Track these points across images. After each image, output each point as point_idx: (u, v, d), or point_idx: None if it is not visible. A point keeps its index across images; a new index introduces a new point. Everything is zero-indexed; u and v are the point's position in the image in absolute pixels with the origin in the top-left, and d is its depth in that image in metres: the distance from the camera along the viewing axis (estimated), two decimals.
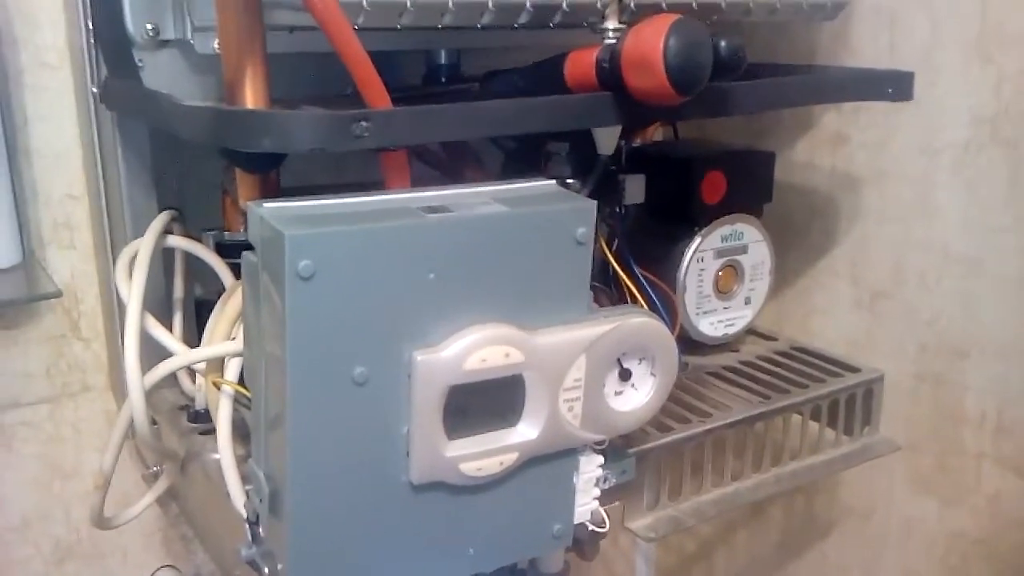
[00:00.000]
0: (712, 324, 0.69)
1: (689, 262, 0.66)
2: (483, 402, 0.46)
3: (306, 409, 0.42)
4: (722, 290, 0.69)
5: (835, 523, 0.87)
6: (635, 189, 0.64)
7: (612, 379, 0.50)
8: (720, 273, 0.68)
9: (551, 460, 0.49)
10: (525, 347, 0.45)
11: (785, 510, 0.91)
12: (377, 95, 0.43)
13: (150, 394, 0.63)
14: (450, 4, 0.47)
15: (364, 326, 0.42)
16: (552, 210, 0.46)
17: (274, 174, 0.49)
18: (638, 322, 0.49)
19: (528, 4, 0.49)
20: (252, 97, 0.45)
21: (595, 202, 0.46)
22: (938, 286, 0.74)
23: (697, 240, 0.66)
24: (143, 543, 0.78)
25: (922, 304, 0.75)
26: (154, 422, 0.65)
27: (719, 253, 0.68)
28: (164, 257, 0.64)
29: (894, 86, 0.61)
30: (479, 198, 0.46)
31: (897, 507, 0.81)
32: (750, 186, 0.68)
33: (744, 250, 0.69)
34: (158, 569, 0.75)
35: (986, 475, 0.74)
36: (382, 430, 0.44)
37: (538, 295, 0.46)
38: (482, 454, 0.46)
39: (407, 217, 0.43)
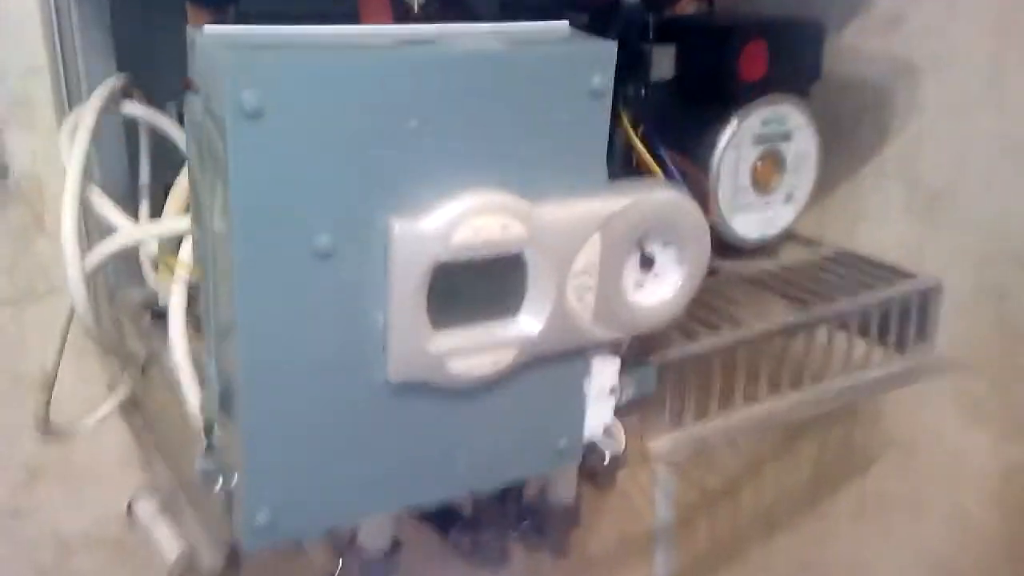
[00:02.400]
0: (748, 223, 0.61)
1: (724, 148, 0.57)
2: (476, 285, 0.38)
3: (256, 288, 0.34)
4: (761, 182, 0.60)
5: (875, 456, 0.79)
6: (664, 62, 0.55)
7: (631, 265, 0.42)
8: (759, 163, 0.59)
9: (557, 361, 0.41)
10: (527, 219, 0.37)
11: (820, 442, 0.83)
12: None
13: (111, 294, 0.56)
14: None
15: (328, 183, 0.34)
16: (561, 52, 0.38)
17: (233, 10, 0.41)
18: (664, 196, 0.41)
19: None
20: None
21: (614, 43, 0.38)
22: (1005, 186, 0.65)
23: (734, 123, 0.57)
24: (121, 462, 0.71)
25: (986, 206, 0.67)
26: (118, 322, 0.58)
27: (759, 139, 0.59)
28: (130, 138, 0.56)
29: None
30: (475, 35, 0.37)
31: (947, 439, 0.73)
32: (796, 61, 0.59)
33: (787, 136, 0.60)
34: (139, 491, 0.69)
35: None
36: (352, 316, 0.36)
37: (544, 157, 0.38)
38: (474, 349, 0.38)
39: (384, 48, 0.35)
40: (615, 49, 0.38)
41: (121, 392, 0.54)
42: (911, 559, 0.78)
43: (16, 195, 0.63)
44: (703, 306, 0.55)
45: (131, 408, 0.58)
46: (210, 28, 0.34)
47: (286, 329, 0.35)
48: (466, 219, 0.36)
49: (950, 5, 0.66)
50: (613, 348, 0.44)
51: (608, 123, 0.39)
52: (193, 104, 0.36)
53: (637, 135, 0.54)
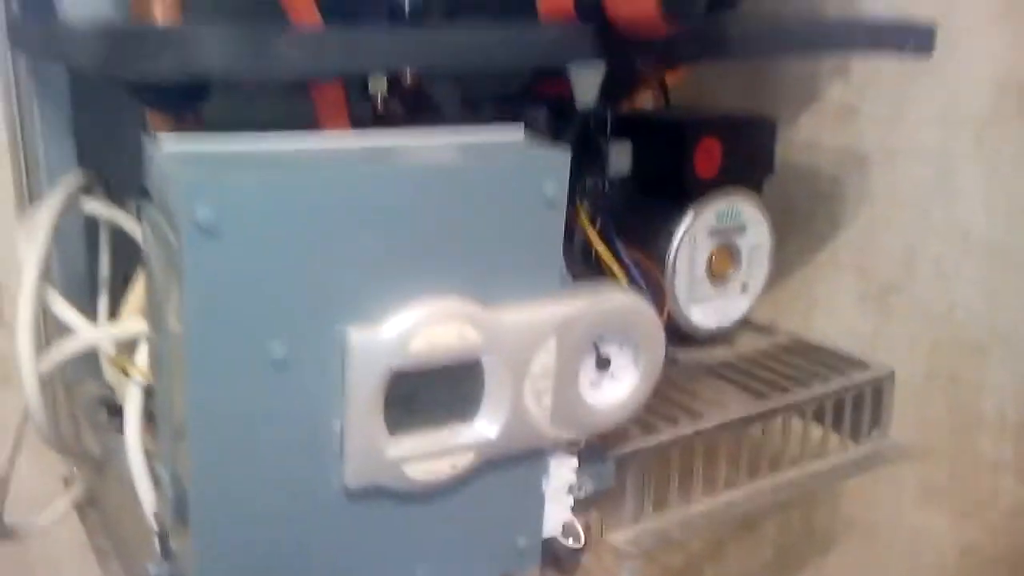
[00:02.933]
0: (705, 313, 0.61)
1: (680, 242, 0.58)
2: (433, 391, 0.38)
3: (210, 395, 0.34)
4: (716, 274, 0.61)
5: (836, 537, 0.79)
6: (621, 158, 0.56)
7: (588, 367, 0.42)
8: (714, 255, 0.60)
9: (515, 462, 0.41)
10: (484, 326, 0.38)
11: (781, 523, 0.83)
12: (304, 10, 0.35)
13: (68, 389, 0.56)
14: None
15: (283, 294, 0.34)
16: (516, 162, 0.39)
17: (192, 117, 0.41)
18: (619, 300, 0.42)
19: None
20: (161, 8, 0.38)
21: (568, 152, 0.39)
22: (956, 275, 0.67)
23: (689, 216, 0.58)
24: (78, 555, 0.69)
25: (936, 296, 0.68)
26: (75, 418, 0.57)
27: (714, 232, 0.60)
28: (90, 230, 0.56)
29: (913, 38, 0.54)
30: (429, 146, 0.38)
31: (905, 520, 0.73)
32: (749, 156, 0.61)
33: (742, 230, 0.61)
34: None
35: (1004, 486, 0.67)
36: (308, 424, 0.36)
37: (500, 263, 0.38)
38: (431, 454, 0.38)
39: (338, 165, 0.35)
40: (568, 157, 0.39)
41: (75, 490, 0.53)
42: None
43: None
44: (661, 398, 0.55)
45: (86, 505, 0.57)
46: (167, 140, 0.34)
47: (240, 436, 0.35)
48: (422, 327, 0.36)
49: (899, 97, 0.68)
50: (570, 447, 0.44)
51: (562, 229, 0.39)
52: (150, 211, 0.36)
53: (595, 229, 0.55)
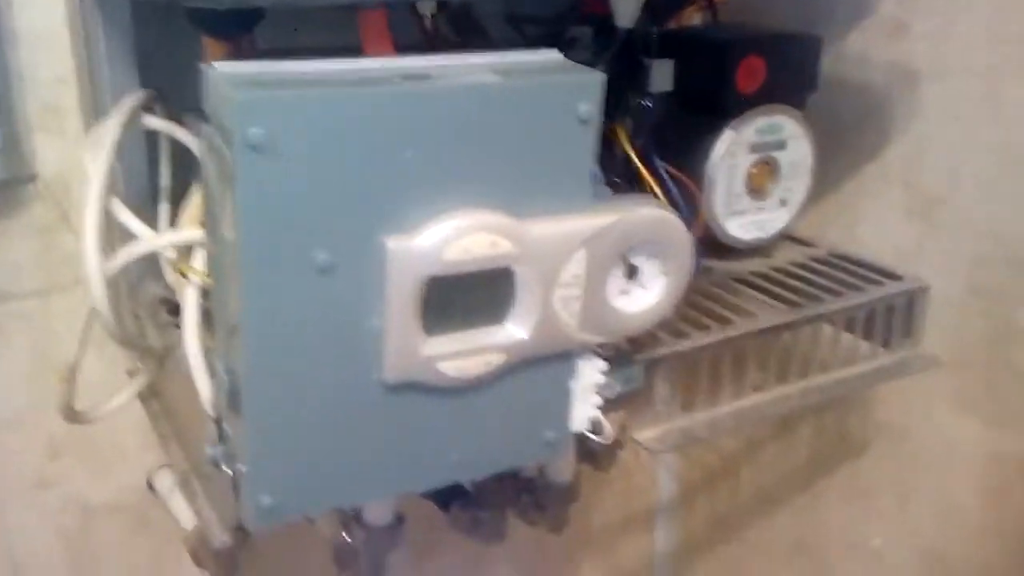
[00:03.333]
0: (743, 226, 0.63)
1: (719, 156, 0.60)
2: (467, 296, 0.41)
3: (262, 299, 0.37)
4: (755, 189, 0.62)
5: (869, 441, 0.82)
6: (662, 75, 0.57)
7: (616, 276, 0.44)
8: (754, 170, 0.61)
9: (544, 363, 0.44)
10: (515, 237, 0.40)
11: (816, 426, 0.85)
12: None
13: (131, 288, 0.60)
14: None
15: (329, 207, 0.37)
16: (550, 82, 0.40)
17: (247, 42, 0.43)
18: (647, 214, 0.44)
19: None
20: None
21: (602, 74, 0.40)
22: (1001, 192, 0.67)
23: (729, 132, 0.60)
24: (141, 442, 0.75)
25: (981, 211, 0.68)
26: (137, 316, 0.61)
27: (754, 148, 0.61)
28: (152, 146, 0.59)
29: None
30: (469, 67, 0.40)
31: (937, 427, 0.75)
32: (792, 74, 0.61)
33: (782, 145, 0.62)
34: (159, 468, 0.73)
35: None
36: (351, 324, 0.39)
37: (533, 179, 0.41)
38: (464, 353, 0.41)
39: (381, 84, 0.37)
40: (601, 79, 0.40)
41: (139, 382, 0.58)
42: (900, 541, 0.81)
43: (44, 195, 0.67)
44: (693, 305, 0.57)
45: (149, 395, 0.62)
46: (220, 65, 0.36)
47: (288, 334, 0.38)
48: (457, 237, 0.39)
49: (951, 15, 0.67)
50: (600, 350, 0.47)
51: (593, 148, 0.41)
52: (206, 130, 0.39)
53: (634, 145, 0.56)
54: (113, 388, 0.65)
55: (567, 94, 0.40)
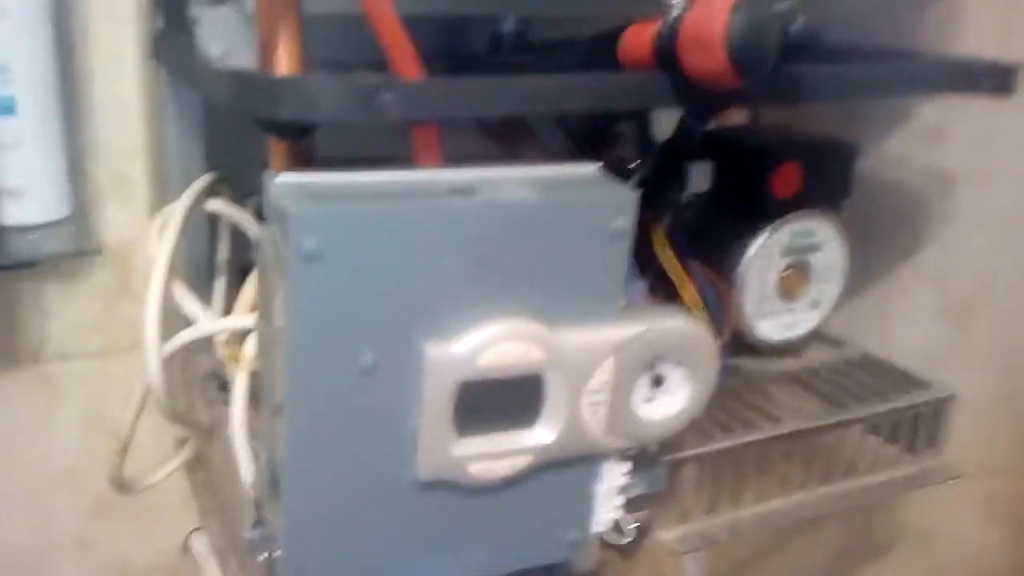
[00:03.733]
0: (773, 327, 0.64)
1: (752, 259, 0.61)
2: (498, 399, 0.43)
3: (307, 393, 0.40)
4: (787, 291, 0.64)
5: (895, 543, 0.82)
6: (700, 176, 0.59)
7: (643, 384, 0.46)
8: (786, 273, 0.63)
9: (570, 465, 0.46)
10: (547, 345, 0.42)
11: (844, 524, 0.86)
12: (405, 64, 0.40)
13: (183, 361, 0.63)
14: None
15: (374, 312, 0.39)
16: (586, 198, 0.43)
17: (307, 142, 0.46)
18: (675, 325, 0.46)
19: None
20: (286, 59, 0.43)
21: (635, 192, 0.43)
22: None
23: (763, 236, 0.61)
24: (181, 505, 0.77)
25: (1014, 318, 0.69)
26: (188, 388, 0.64)
27: (787, 251, 0.63)
28: (212, 223, 0.62)
29: (993, 79, 0.55)
30: (510, 181, 0.43)
31: (963, 533, 0.75)
32: (828, 181, 0.63)
33: (815, 249, 0.64)
34: (193, 531, 0.75)
35: None
36: (388, 422, 0.41)
37: (566, 289, 0.43)
38: (494, 455, 0.43)
39: (425, 198, 0.40)
40: (635, 197, 0.43)
41: (185, 453, 0.61)
42: None
43: (109, 261, 0.70)
44: (721, 407, 0.59)
45: (195, 465, 0.64)
46: (281, 177, 0.39)
47: (328, 428, 0.41)
48: (491, 345, 0.41)
49: (988, 122, 0.69)
50: (624, 452, 0.48)
51: (626, 260, 0.43)
52: (265, 230, 0.42)
53: (669, 245, 0.58)
54: (160, 453, 0.68)
55: (601, 211, 0.42)
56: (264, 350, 0.45)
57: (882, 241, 0.76)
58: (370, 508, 0.42)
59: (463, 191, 0.41)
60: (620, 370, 0.44)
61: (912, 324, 0.76)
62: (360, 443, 0.41)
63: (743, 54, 0.40)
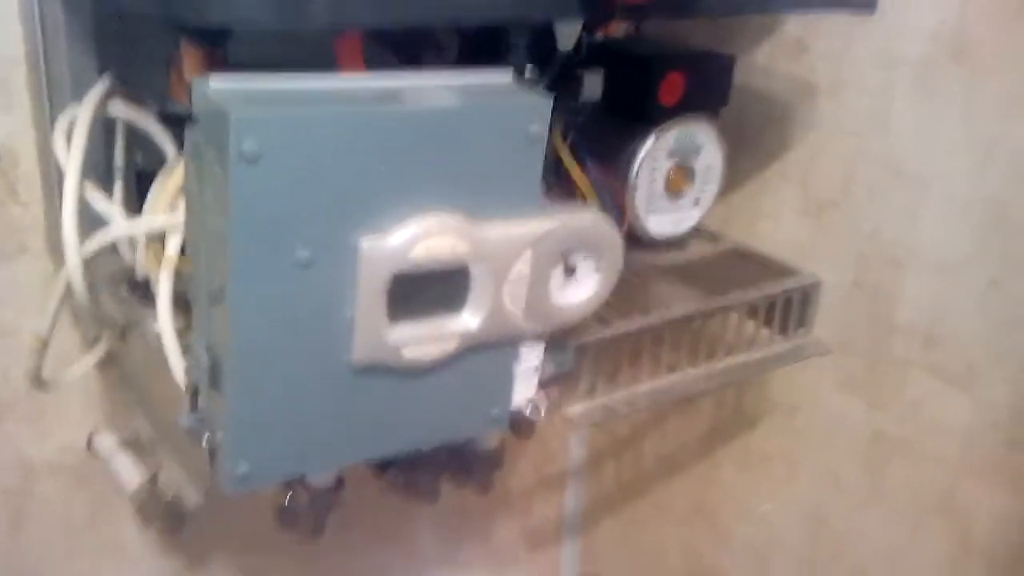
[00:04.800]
0: (660, 223, 0.70)
1: (642, 161, 0.66)
2: (428, 289, 0.46)
3: (248, 288, 0.42)
4: (673, 190, 0.69)
5: (762, 416, 0.90)
6: (593, 85, 0.63)
7: (557, 274, 0.51)
8: (672, 173, 0.68)
9: (492, 349, 0.50)
10: (472, 239, 0.46)
11: (716, 401, 0.94)
12: None
13: (89, 261, 0.63)
14: None
15: (310, 211, 0.42)
16: (505, 105, 0.46)
17: (222, 49, 0.47)
18: (585, 219, 0.50)
19: None
20: None
21: (551, 98, 0.46)
22: (883, 200, 0.75)
23: (651, 140, 0.66)
24: (83, 404, 0.78)
25: (866, 215, 0.77)
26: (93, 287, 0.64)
27: (672, 153, 0.68)
28: (105, 124, 0.62)
29: None
30: (433, 88, 0.45)
31: (823, 405, 0.84)
32: (709, 89, 0.68)
33: (697, 151, 0.69)
34: (99, 428, 0.76)
35: (912, 381, 0.77)
36: (326, 312, 0.44)
37: (488, 188, 0.46)
38: (424, 339, 0.47)
39: (357, 104, 0.42)
40: (549, 103, 0.46)
41: (99, 351, 0.61)
42: (788, 507, 0.90)
43: None
44: (617, 295, 0.64)
45: (107, 363, 0.65)
46: (213, 80, 0.41)
47: (270, 319, 0.43)
48: (422, 238, 0.44)
49: (849, 37, 0.75)
50: (539, 336, 0.53)
51: (541, 161, 0.47)
52: (192, 133, 0.43)
53: (567, 148, 0.62)
54: (63, 356, 0.68)
55: (520, 116, 0.46)
56: (195, 248, 0.47)
57: (752, 145, 0.82)
58: (310, 390, 0.45)
59: (391, 97, 0.43)
60: (537, 261, 0.48)
61: (778, 220, 0.83)
62: (300, 331, 0.44)
63: None
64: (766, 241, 0.82)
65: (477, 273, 0.47)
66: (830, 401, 0.83)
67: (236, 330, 0.43)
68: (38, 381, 0.59)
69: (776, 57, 0.80)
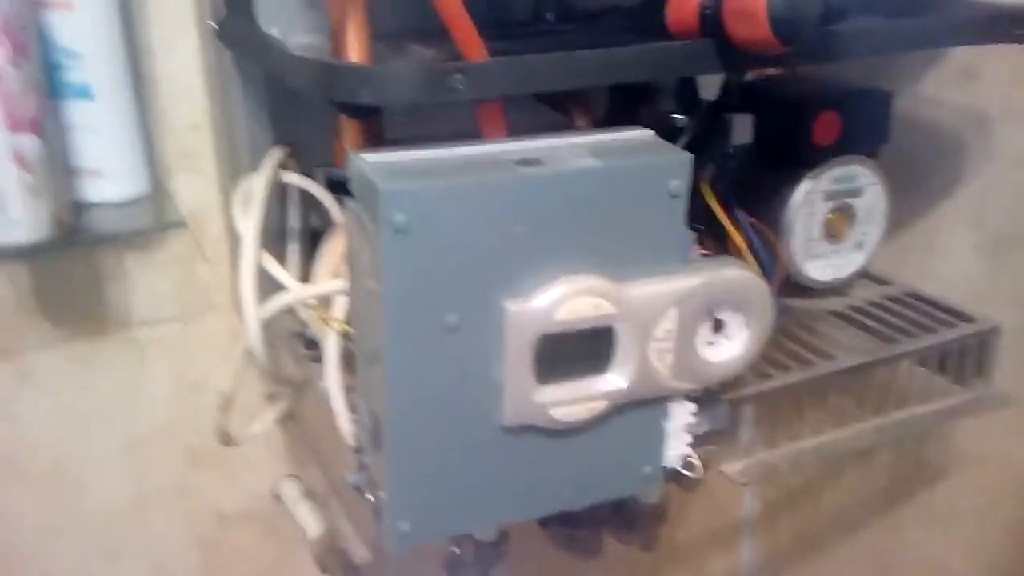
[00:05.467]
0: (820, 268, 0.68)
1: (797, 205, 0.64)
2: (574, 349, 0.47)
3: (400, 352, 0.44)
4: (832, 234, 0.67)
5: (947, 468, 0.85)
6: (742, 128, 0.62)
7: (704, 330, 0.50)
8: (830, 216, 0.66)
9: (641, 407, 0.50)
10: (615, 298, 0.46)
11: (895, 453, 0.89)
12: (472, 46, 0.43)
13: (268, 322, 0.67)
14: None
15: (456, 276, 0.43)
16: (644, 163, 0.46)
17: (376, 120, 0.50)
18: (732, 275, 0.49)
19: None
20: (354, 42, 0.46)
21: (690, 155, 0.46)
22: None
23: (807, 183, 0.64)
24: (269, 454, 0.83)
25: None
26: (274, 347, 0.69)
27: (829, 196, 0.65)
28: (281, 188, 0.66)
29: (1020, 26, 0.57)
30: (573, 150, 0.46)
31: (1014, 455, 0.79)
32: (865, 127, 0.66)
33: (857, 193, 0.66)
34: (284, 477, 0.80)
35: None
36: (475, 374, 0.46)
37: (630, 247, 0.46)
38: (572, 400, 0.47)
39: (499, 171, 0.44)
40: (689, 159, 0.46)
41: (279, 407, 0.65)
42: (977, 567, 0.84)
43: (182, 231, 0.75)
44: (776, 346, 0.62)
45: (285, 418, 0.69)
46: (364, 155, 0.43)
47: (422, 382, 0.45)
48: (565, 300, 0.45)
49: (1019, 60, 0.70)
50: (690, 393, 0.52)
51: (683, 218, 0.47)
52: (351, 204, 0.46)
53: (717, 196, 0.61)
54: (250, 409, 0.73)
55: (659, 173, 0.46)
56: (356, 311, 0.49)
57: (922, 181, 0.79)
58: (464, 450, 0.47)
59: (531, 162, 0.44)
60: (683, 318, 0.48)
61: (953, 259, 0.78)
62: (451, 393, 0.46)
63: (785, 24, 0.43)
64: (942, 282, 0.78)
65: (622, 332, 0.47)
66: (1017, 453, 0.78)
67: (391, 392, 0.45)
68: (225, 436, 0.63)
69: (943, 86, 0.77)
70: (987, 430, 0.80)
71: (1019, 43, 0.58)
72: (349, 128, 0.49)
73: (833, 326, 0.66)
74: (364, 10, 0.46)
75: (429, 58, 0.52)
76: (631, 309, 0.47)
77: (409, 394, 0.45)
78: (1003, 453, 0.79)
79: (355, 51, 0.45)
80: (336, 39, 0.46)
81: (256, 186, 0.57)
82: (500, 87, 0.44)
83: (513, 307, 0.44)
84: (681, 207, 0.47)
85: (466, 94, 0.42)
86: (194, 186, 0.75)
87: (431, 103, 0.42)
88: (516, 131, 0.48)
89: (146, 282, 0.76)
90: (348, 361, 0.54)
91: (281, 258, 0.65)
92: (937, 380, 0.66)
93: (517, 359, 0.45)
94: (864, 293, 0.71)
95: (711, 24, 0.47)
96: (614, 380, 0.48)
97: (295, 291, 0.54)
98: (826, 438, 0.62)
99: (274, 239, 0.67)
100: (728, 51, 0.47)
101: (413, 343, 0.44)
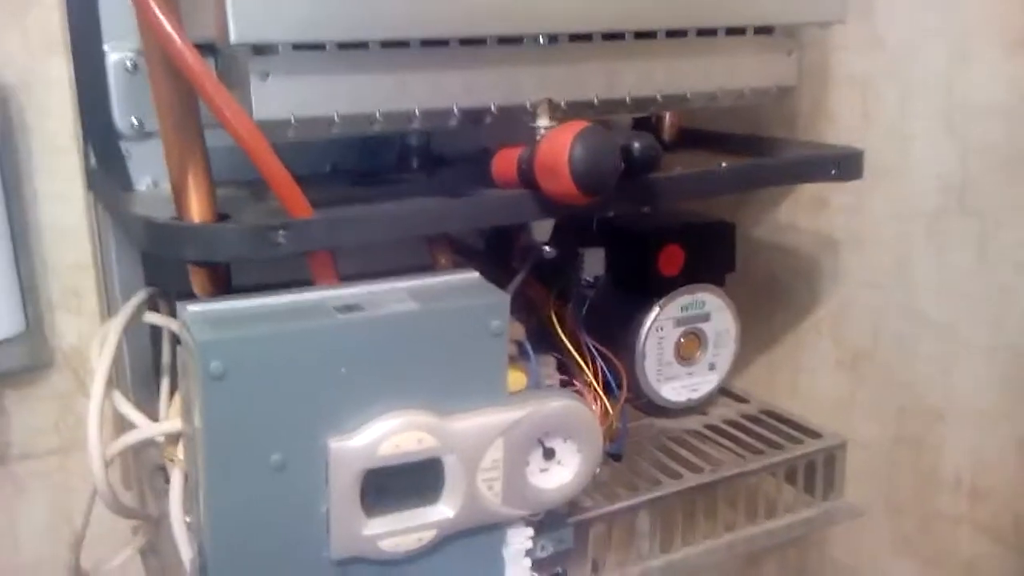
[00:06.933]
0: (675, 390, 0.71)
1: (647, 332, 0.68)
2: (403, 482, 0.49)
3: (221, 490, 0.45)
4: (684, 357, 0.70)
5: None
6: (594, 262, 0.66)
7: (536, 457, 0.52)
8: (682, 340, 0.70)
9: (475, 534, 0.52)
10: (440, 432, 0.48)
11: (778, 560, 0.91)
12: (294, 203, 0.46)
13: (136, 454, 0.68)
14: (378, 115, 0.50)
15: (278, 417, 0.45)
16: (464, 305, 0.49)
17: (222, 267, 0.52)
18: (556, 405, 0.52)
19: (455, 109, 0.51)
20: (196, 200, 0.49)
21: (508, 296, 0.49)
22: (913, 350, 0.74)
23: (655, 311, 0.68)
24: None
25: (900, 366, 0.76)
26: (140, 480, 0.69)
27: (679, 322, 0.69)
28: (155, 329, 0.68)
29: (839, 166, 0.62)
30: (395, 294, 0.49)
31: (882, 567, 0.81)
32: (709, 257, 0.70)
33: (706, 318, 0.70)
34: None
35: (964, 539, 0.74)
36: (302, 510, 0.47)
37: (454, 383, 0.49)
38: (401, 531, 0.49)
39: (318, 318, 0.46)
40: (508, 300, 0.49)
41: (137, 542, 0.66)
42: None
43: (63, 366, 0.76)
44: (627, 466, 0.65)
45: (147, 550, 0.69)
46: (190, 306, 0.46)
47: (247, 520, 0.46)
48: (388, 436, 0.47)
49: (863, 192, 0.76)
50: (528, 518, 0.54)
51: (505, 355, 0.50)
52: (181, 350, 0.48)
53: (564, 327, 0.64)
54: (118, 541, 0.73)
55: (480, 314, 0.49)
56: (189, 450, 0.51)
57: (784, 301, 0.83)
58: None
59: (351, 307, 0.47)
60: (510, 448, 0.50)
61: (816, 375, 0.82)
62: (278, 528, 0.47)
63: (585, 179, 0.47)
64: (807, 397, 0.82)
65: (449, 464, 0.49)
66: (887, 563, 0.80)
67: (214, 529, 0.46)
68: (77, 573, 0.63)
69: (799, 213, 0.82)
70: (857, 541, 0.82)
71: (835, 182, 0.62)
72: (196, 275, 0.52)
73: (687, 446, 0.68)
74: (203, 164, 0.49)
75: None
76: (456, 441, 0.49)
77: (232, 530, 0.46)
78: (871, 565, 0.82)
79: (195, 210, 0.47)
80: (178, 198, 0.48)
81: (112, 328, 0.59)
82: (321, 241, 0.47)
83: (336, 445, 0.46)
84: (502, 344, 0.49)
85: (288, 248, 0.45)
86: (77, 324, 0.77)
87: (256, 258, 0.45)
88: (380, 272, 0.51)
89: (25, 416, 0.77)
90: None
91: (154, 394, 0.66)
92: (799, 493, 0.69)
93: (343, 494, 0.47)
94: (722, 411, 0.74)
95: (527, 179, 0.51)
96: (442, 510, 0.50)
97: (144, 429, 0.56)
98: (678, 555, 0.63)
99: (148, 377, 0.69)
100: (543, 200, 0.51)
101: (236, 481, 0.45)
